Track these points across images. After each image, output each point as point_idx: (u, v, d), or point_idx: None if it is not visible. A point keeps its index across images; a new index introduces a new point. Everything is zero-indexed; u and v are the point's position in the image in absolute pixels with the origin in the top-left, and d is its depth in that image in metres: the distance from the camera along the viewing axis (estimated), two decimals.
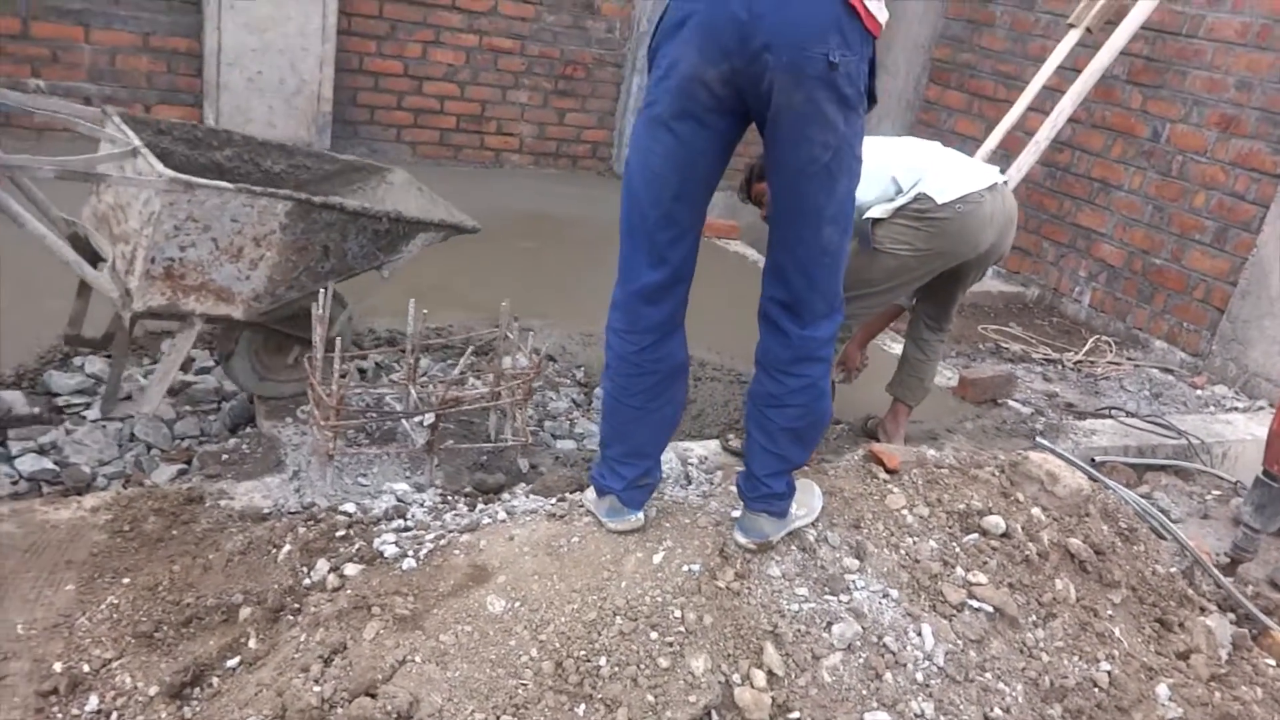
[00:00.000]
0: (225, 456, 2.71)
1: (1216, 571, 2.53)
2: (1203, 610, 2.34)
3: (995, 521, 2.16)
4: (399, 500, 2.42)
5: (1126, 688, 1.97)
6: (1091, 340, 5.02)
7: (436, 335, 3.68)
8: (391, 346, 3.55)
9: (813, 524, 2.09)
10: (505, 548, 2.03)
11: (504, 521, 2.18)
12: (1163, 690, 2.03)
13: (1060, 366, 4.71)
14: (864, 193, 2.75)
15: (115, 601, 1.96)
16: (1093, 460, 3.70)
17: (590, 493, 2.18)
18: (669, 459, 2.59)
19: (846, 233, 1.98)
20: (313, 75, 5.43)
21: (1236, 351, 4.69)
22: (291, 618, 1.95)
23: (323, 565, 2.07)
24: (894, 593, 1.97)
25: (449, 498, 2.41)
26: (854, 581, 1.97)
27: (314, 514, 2.31)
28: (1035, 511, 2.24)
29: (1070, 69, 5.05)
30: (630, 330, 2.02)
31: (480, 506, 2.31)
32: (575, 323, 3.95)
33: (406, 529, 2.22)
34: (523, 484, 2.53)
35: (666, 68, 1.84)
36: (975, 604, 1.97)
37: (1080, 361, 4.80)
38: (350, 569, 2.04)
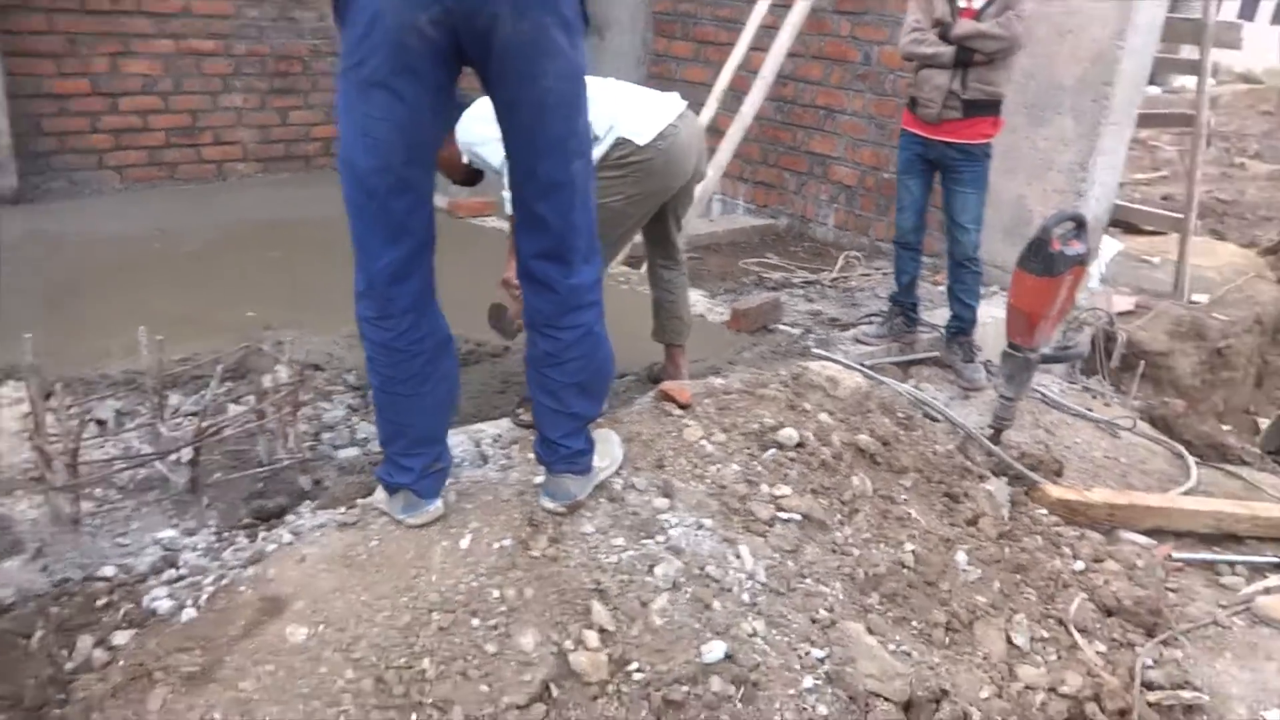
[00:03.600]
0: None
1: (985, 440, 2.72)
2: (981, 478, 2.52)
3: (789, 434, 2.21)
4: (166, 549, 2.17)
5: (930, 561, 2.08)
6: (841, 258, 5.31)
7: (181, 367, 3.36)
8: (130, 387, 3.20)
9: (617, 472, 2.06)
10: (297, 571, 1.87)
11: (291, 544, 2.00)
12: (961, 557, 2.16)
13: (819, 286, 4.95)
14: None
15: None
16: (862, 364, 3.92)
17: (380, 493, 2.04)
18: (460, 443, 2.48)
19: (591, 164, 1.95)
20: None
21: None
22: (58, 711, 1.70)
23: (85, 642, 1.82)
24: (707, 522, 1.98)
25: (225, 534, 2.19)
26: (667, 520, 1.96)
27: (67, 589, 2.03)
28: (823, 417, 2.32)
29: (782, 4, 5.27)
30: (384, 316, 1.90)
31: (263, 534, 2.10)
32: (336, 325, 3.72)
33: (180, 578, 2.00)
34: (307, 501, 2.33)
35: (367, 22, 1.69)
36: (784, 515, 2.01)
37: (836, 279, 5.07)
38: (119, 637, 1.81)
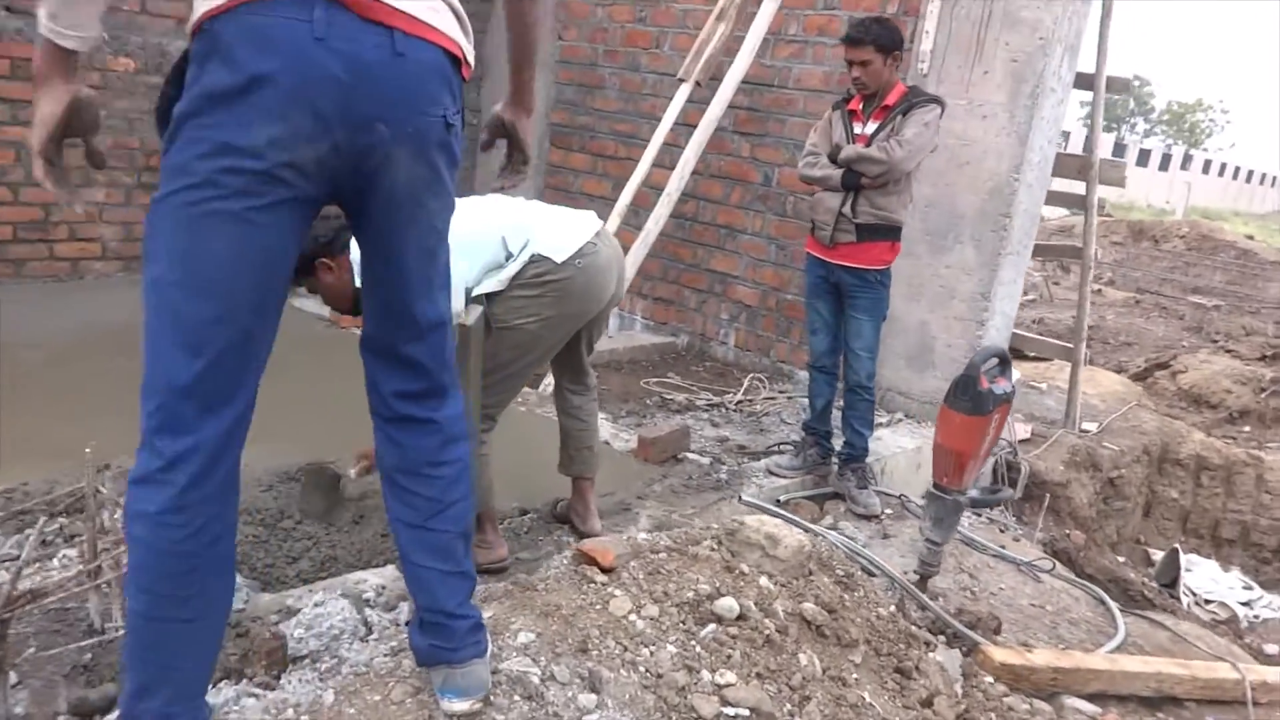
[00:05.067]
0: None
1: (929, 600, 2.52)
2: (928, 644, 2.29)
3: (728, 605, 1.93)
4: None
5: None
6: (747, 379, 5.15)
7: (7, 500, 2.86)
8: None
9: (534, 660, 1.72)
10: None
11: None
12: None
13: (724, 410, 4.76)
14: (471, 263, 2.47)
15: None
16: (778, 501, 3.71)
17: None
18: (336, 605, 2.09)
19: (450, 294, 1.74)
20: None
21: None
22: None
23: None
24: None
25: None
26: None
27: None
28: (763, 582, 2.05)
29: (684, 124, 5.21)
30: (177, 509, 1.45)
31: None
32: None
33: None
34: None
35: (219, 146, 1.38)
36: (730, 711, 1.72)
37: (741, 401, 4.90)
38: None
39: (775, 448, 4.21)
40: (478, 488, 2.57)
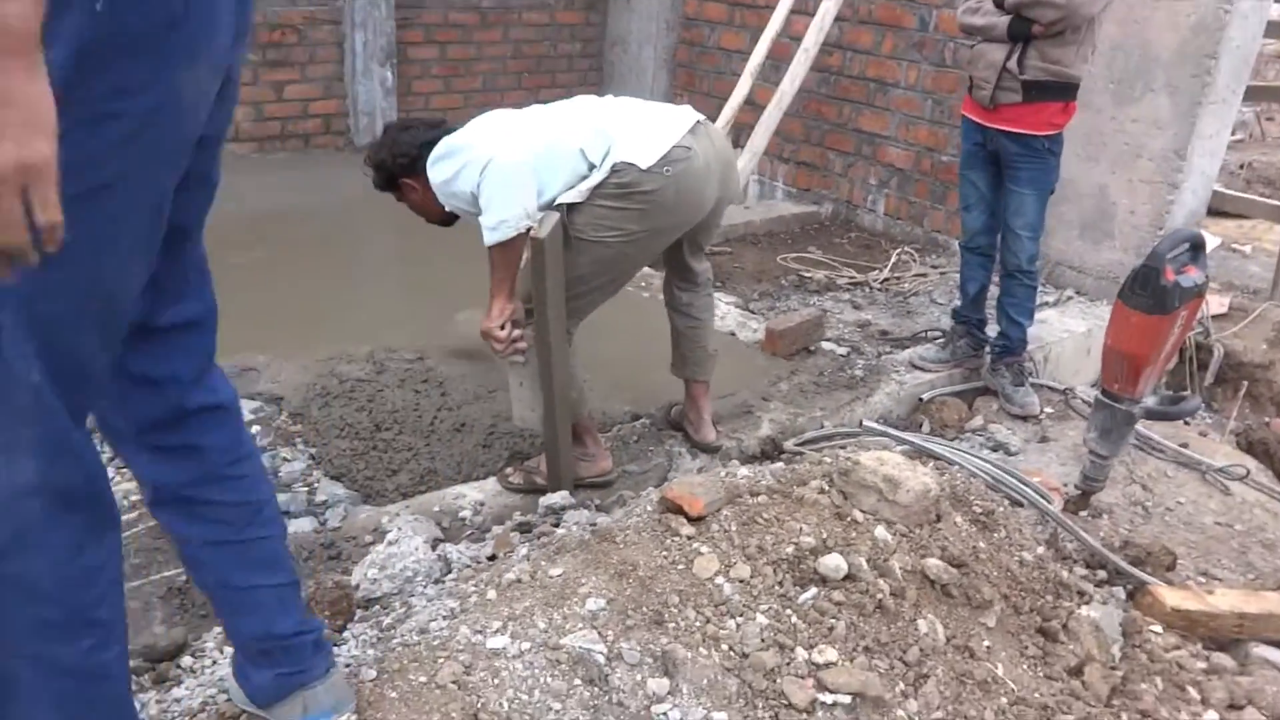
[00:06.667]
0: None
1: (1086, 537, 2.17)
2: (1081, 594, 1.96)
3: (834, 563, 1.67)
4: None
5: None
6: (895, 254, 4.70)
7: None
8: None
9: (601, 634, 1.53)
10: None
11: None
12: None
13: (868, 289, 4.36)
14: (550, 176, 2.24)
15: None
16: (921, 400, 3.36)
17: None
18: (413, 546, 1.96)
19: None
20: None
21: None
22: None
23: None
24: (720, 717, 1.44)
25: None
26: (665, 714, 1.43)
27: None
28: (879, 533, 1.77)
29: None
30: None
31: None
32: (317, 349, 3.22)
33: None
34: (216, 630, 1.84)
35: (141, 114, 1.05)
36: (829, 698, 1.48)
37: (887, 279, 4.47)
38: None
39: (921, 334, 3.82)
40: (567, 399, 2.38)
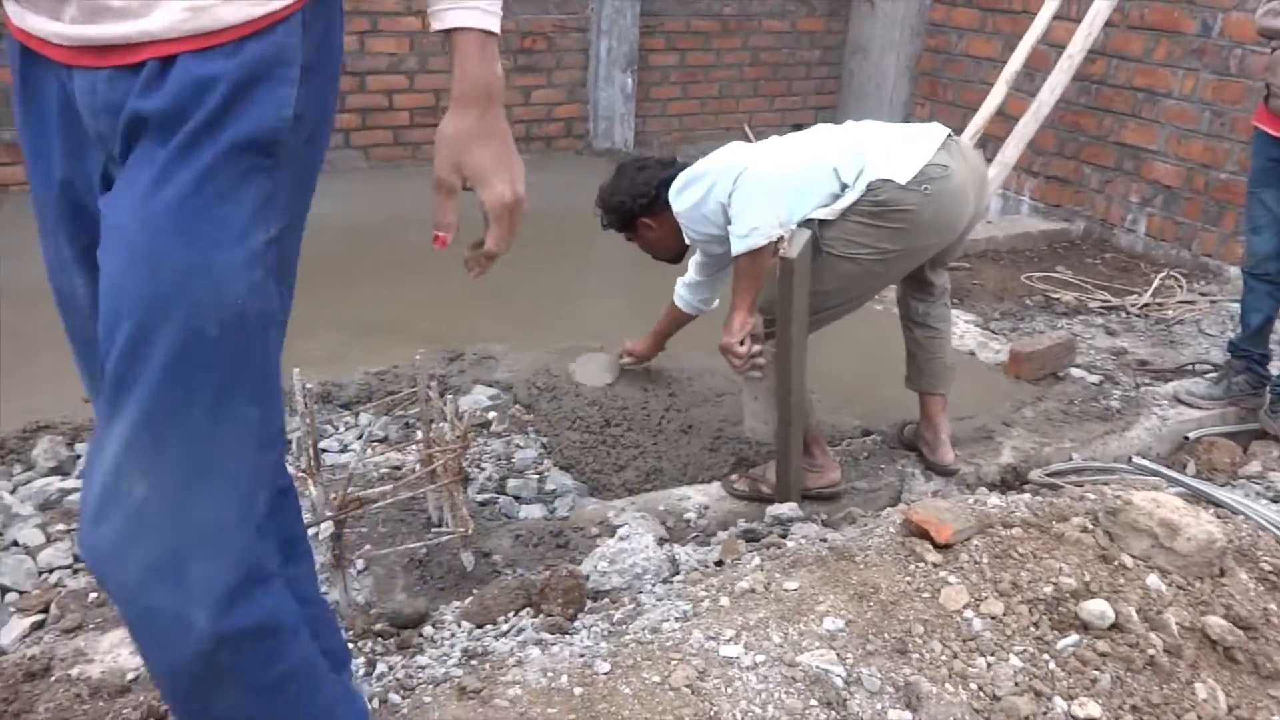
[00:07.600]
0: (94, 596, 2.14)
1: None
2: None
3: (1099, 609, 1.52)
4: None
5: None
6: (1158, 277, 4.30)
7: (380, 380, 3.09)
8: (327, 404, 2.97)
9: (840, 656, 1.46)
10: None
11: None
12: None
13: (1124, 314, 4.02)
14: (803, 198, 2.21)
15: None
16: (1186, 439, 3.04)
17: None
18: (644, 544, 1.96)
19: None
20: None
21: None
22: None
23: None
24: None
25: (357, 642, 1.80)
26: None
27: None
28: (1152, 581, 1.60)
29: None
30: None
31: (379, 668, 1.68)
32: (554, 340, 3.33)
33: None
34: (455, 604, 1.91)
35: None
36: None
37: (1147, 305, 4.10)
38: None
39: (1189, 367, 3.46)
40: (801, 415, 2.33)
